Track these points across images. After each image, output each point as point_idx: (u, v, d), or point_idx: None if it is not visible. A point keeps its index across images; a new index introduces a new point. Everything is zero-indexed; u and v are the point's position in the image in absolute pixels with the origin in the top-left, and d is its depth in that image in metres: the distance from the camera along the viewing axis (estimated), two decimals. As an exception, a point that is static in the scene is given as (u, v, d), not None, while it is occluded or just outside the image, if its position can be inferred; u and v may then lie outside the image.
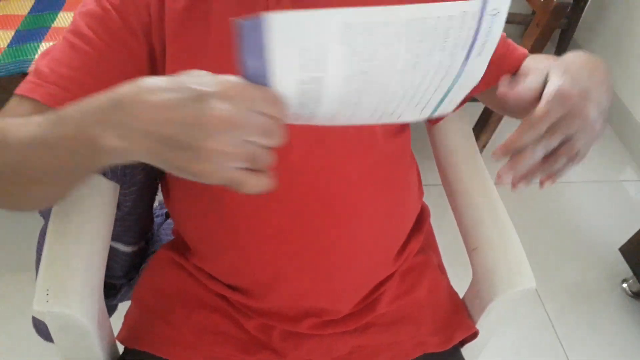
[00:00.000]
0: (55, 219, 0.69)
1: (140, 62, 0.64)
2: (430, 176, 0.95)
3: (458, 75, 0.46)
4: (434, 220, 0.87)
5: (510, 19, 1.77)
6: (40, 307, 0.62)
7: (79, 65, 0.60)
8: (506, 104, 0.55)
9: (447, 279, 0.84)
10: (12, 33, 1.31)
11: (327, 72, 0.42)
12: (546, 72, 0.55)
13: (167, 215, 0.99)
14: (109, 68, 0.62)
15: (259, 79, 0.41)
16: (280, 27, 0.38)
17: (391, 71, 0.44)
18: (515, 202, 1.73)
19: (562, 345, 1.41)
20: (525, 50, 0.72)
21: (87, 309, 0.65)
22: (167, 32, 0.63)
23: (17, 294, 1.35)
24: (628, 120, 1.99)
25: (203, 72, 0.44)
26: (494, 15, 0.42)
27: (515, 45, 0.73)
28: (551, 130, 0.50)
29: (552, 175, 0.53)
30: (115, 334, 0.76)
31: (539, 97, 0.53)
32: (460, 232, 0.83)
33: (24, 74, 1.23)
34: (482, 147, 1.75)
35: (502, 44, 0.70)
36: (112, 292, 0.91)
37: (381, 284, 0.75)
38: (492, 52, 0.45)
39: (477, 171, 0.84)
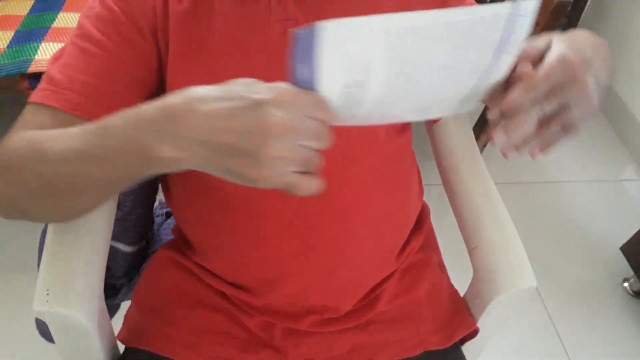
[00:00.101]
0: (56, 219, 0.69)
1: (150, 63, 0.64)
2: (430, 176, 0.95)
3: (487, 73, 0.49)
4: (434, 220, 0.87)
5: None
6: (41, 307, 0.62)
7: (93, 69, 0.61)
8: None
9: (448, 278, 0.84)
10: (12, 34, 1.31)
11: (370, 76, 0.44)
12: (549, 40, 0.54)
13: (168, 215, 0.99)
14: (123, 70, 0.62)
15: (307, 84, 0.44)
16: (331, 34, 0.40)
17: (428, 71, 0.46)
18: (516, 201, 1.74)
19: (563, 344, 1.41)
20: None
21: (88, 309, 0.65)
22: (171, 33, 0.63)
23: (18, 294, 1.35)
24: (629, 120, 1.99)
25: (251, 80, 0.45)
26: (523, 16, 0.45)
27: None
28: (549, 94, 0.49)
29: (544, 146, 0.53)
30: (116, 333, 0.76)
31: (539, 61, 0.52)
32: (461, 231, 0.83)
33: (24, 75, 1.23)
34: (482, 147, 1.75)
35: None
36: (112, 292, 0.91)
37: (382, 282, 0.75)
38: (518, 49, 0.48)
39: (477, 171, 0.84)
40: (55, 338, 0.68)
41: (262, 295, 0.70)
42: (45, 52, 1.25)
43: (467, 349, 0.79)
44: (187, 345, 0.71)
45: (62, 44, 1.31)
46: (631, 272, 1.52)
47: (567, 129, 0.52)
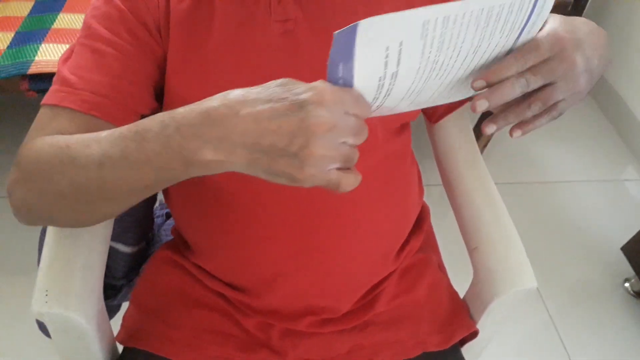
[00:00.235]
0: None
1: (158, 60, 0.65)
2: (431, 176, 0.95)
3: (508, 52, 0.51)
4: (434, 220, 0.87)
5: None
6: (39, 308, 0.62)
7: (107, 68, 0.61)
8: None
9: (447, 279, 0.84)
10: (12, 35, 1.31)
11: (402, 67, 0.45)
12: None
13: (168, 216, 0.99)
14: (135, 68, 0.62)
15: (345, 81, 0.44)
16: (369, 31, 0.41)
17: (456, 57, 0.47)
18: (517, 201, 1.74)
19: (564, 344, 1.41)
20: None
21: (87, 310, 0.65)
22: (171, 32, 0.63)
23: (17, 296, 1.35)
24: (630, 119, 1.99)
25: (288, 80, 0.45)
26: None
27: None
28: (535, 68, 0.49)
29: (524, 125, 0.52)
30: (115, 334, 0.76)
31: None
32: (461, 231, 0.82)
33: (24, 76, 1.23)
34: (482, 147, 1.75)
35: None
36: (112, 292, 0.91)
37: (380, 282, 0.75)
38: (539, 29, 0.49)
39: (478, 171, 0.84)
40: (54, 339, 0.68)
41: (260, 296, 0.70)
42: (45, 53, 1.25)
43: (467, 350, 0.79)
44: (186, 345, 0.71)
45: (63, 45, 1.32)
46: (632, 272, 1.51)
47: (550, 110, 0.52)
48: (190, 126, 0.45)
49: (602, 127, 2.07)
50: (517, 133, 0.53)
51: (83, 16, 0.66)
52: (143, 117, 0.62)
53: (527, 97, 0.51)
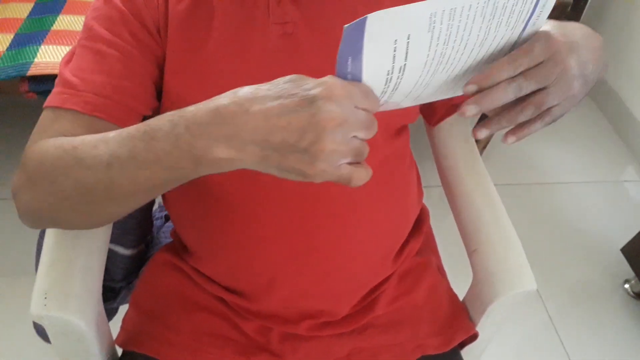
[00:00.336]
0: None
1: (160, 60, 0.65)
2: (431, 178, 0.95)
3: (514, 45, 0.51)
4: (434, 222, 0.87)
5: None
6: (38, 311, 0.62)
7: (109, 69, 0.61)
8: None
9: (447, 281, 0.84)
10: (12, 36, 1.31)
11: (410, 60, 0.45)
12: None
13: (167, 218, 0.99)
14: (137, 69, 0.62)
15: (353, 76, 0.45)
16: (378, 24, 0.41)
17: (462, 50, 0.48)
18: (517, 202, 1.74)
19: (564, 346, 1.41)
20: None
21: (86, 313, 0.65)
22: (169, 33, 0.63)
23: (17, 297, 1.35)
24: (629, 120, 1.99)
25: (297, 76, 0.45)
26: None
27: None
28: (528, 72, 0.49)
29: (518, 130, 0.52)
30: (114, 337, 0.75)
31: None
32: (460, 233, 0.82)
33: (23, 77, 1.23)
34: (482, 149, 1.75)
35: None
36: (111, 295, 0.91)
37: (379, 285, 0.75)
38: (544, 21, 0.49)
39: (477, 173, 0.84)
40: (53, 342, 0.68)
41: (258, 300, 0.70)
42: (45, 55, 1.25)
43: (467, 352, 0.79)
44: (185, 349, 0.71)
45: (62, 47, 1.32)
46: (632, 274, 1.51)
47: (543, 116, 0.51)
48: (200, 124, 0.45)
49: (601, 128, 2.07)
50: (512, 139, 0.52)
51: (83, 18, 0.66)
52: (145, 117, 0.62)
53: (519, 101, 0.50)
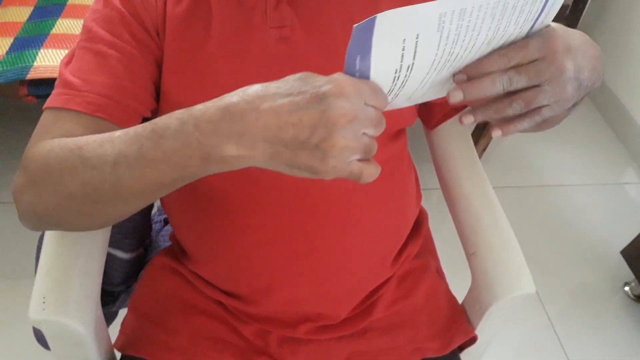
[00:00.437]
0: (52, 227, 0.69)
1: (159, 61, 0.65)
2: (430, 180, 0.95)
3: None
4: (433, 224, 0.87)
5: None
6: (37, 316, 0.62)
7: (110, 70, 0.60)
8: None
9: (446, 284, 0.84)
10: (11, 40, 1.31)
11: (416, 59, 0.45)
12: None
13: (166, 222, 0.99)
14: (139, 69, 0.62)
15: (361, 74, 0.45)
16: (388, 23, 0.41)
17: (470, 49, 0.47)
18: (516, 205, 1.74)
19: (563, 349, 1.41)
20: None
21: (84, 317, 0.65)
22: (167, 35, 0.64)
23: (17, 301, 1.34)
24: (628, 122, 1.99)
25: (306, 74, 0.45)
26: None
27: None
28: (521, 67, 0.49)
29: (505, 125, 0.52)
30: (113, 341, 0.75)
31: None
32: (459, 236, 0.82)
33: (23, 81, 1.23)
34: (481, 151, 1.75)
35: None
36: (110, 299, 0.91)
37: (378, 288, 0.75)
38: (550, 21, 0.49)
39: (476, 176, 0.84)
40: (51, 346, 0.68)
41: (256, 303, 0.70)
42: (44, 59, 1.25)
43: (466, 355, 0.79)
44: (184, 352, 0.71)
45: (62, 50, 1.32)
46: (632, 276, 1.51)
47: (533, 115, 0.51)
48: (210, 122, 0.45)
49: (601, 130, 2.07)
50: (497, 132, 0.52)
51: (82, 21, 0.66)
52: (144, 119, 0.62)
53: (511, 95, 0.50)
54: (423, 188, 0.85)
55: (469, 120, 0.52)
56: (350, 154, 0.44)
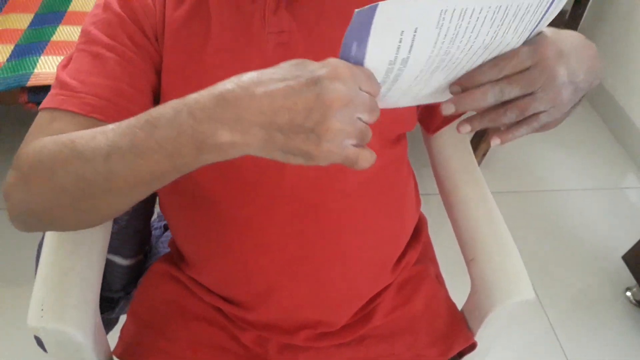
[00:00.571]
0: (51, 233, 0.69)
1: (157, 66, 0.64)
2: (430, 184, 0.95)
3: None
4: (433, 229, 0.87)
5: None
6: (35, 323, 0.62)
7: (107, 72, 0.60)
8: None
9: (445, 290, 0.84)
10: (12, 47, 1.31)
11: (412, 53, 0.45)
12: None
13: (166, 228, 0.99)
14: (137, 73, 0.62)
15: (356, 60, 0.45)
16: (389, 13, 0.41)
17: (467, 52, 0.47)
18: (517, 210, 1.73)
19: (565, 354, 1.40)
20: None
21: (83, 325, 0.65)
22: (166, 40, 0.64)
23: (17, 306, 1.34)
24: (629, 127, 1.99)
25: (300, 60, 0.45)
26: None
27: None
28: (513, 77, 0.49)
29: (503, 133, 0.52)
30: (112, 348, 0.75)
31: None
32: (458, 242, 0.82)
33: (23, 88, 1.23)
34: (482, 156, 1.74)
35: None
36: (110, 305, 0.90)
37: (377, 295, 0.74)
38: (544, 27, 0.50)
39: (475, 182, 0.84)
40: (50, 353, 0.68)
41: (255, 310, 0.70)
42: (44, 66, 1.25)
43: (466, 362, 0.79)
44: (183, 359, 0.71)
45: (62, 57, 1.32)
46: (634, 281, 1.50)
47: (530, 121, 0.51)
48: (204, 109, 0.44)
49: (601, 134, 2.07)
50: (496, 141, 0.52)
51: (83, 27, 0.67)
52: None
53: (506, 104, 0.50)
54: (423, 193, 0.85)
55: (466, 130, 0.52)
56: (345, 137, 0.43)
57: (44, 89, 1.23)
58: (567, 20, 2.03)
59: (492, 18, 0.45)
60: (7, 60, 1.28)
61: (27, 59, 1.28)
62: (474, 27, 0.45)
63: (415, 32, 0.43)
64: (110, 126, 0.50)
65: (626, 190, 1.87)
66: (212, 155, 0.46)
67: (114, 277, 0.87)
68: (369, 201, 0.70)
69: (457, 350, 0.76)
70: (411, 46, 0.44)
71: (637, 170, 1.94)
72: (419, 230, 0.82)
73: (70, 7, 1.46)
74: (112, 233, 0.79)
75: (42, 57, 1.28)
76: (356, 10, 0.41)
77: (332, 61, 0.44)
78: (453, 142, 0.88)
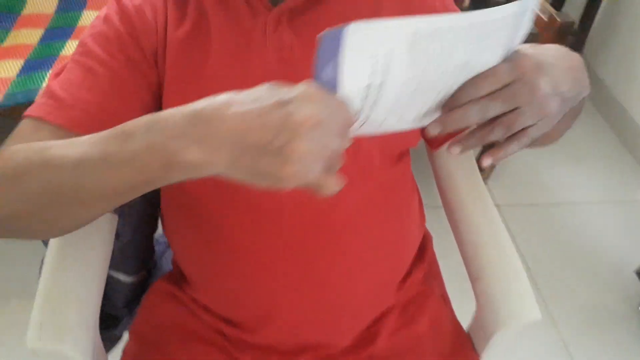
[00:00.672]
0: (52, 252, 0.68)
1: (152, 86, 0.64)
2: (436, 198, 0.93)
3: None
4: (438, 244, 0.85)
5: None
6: (34, 344, 0.61)
7: (97, 88, 0.60)
8: None
9: (451, 309, 0.82)
10: (22, 62, 1.33)
11: (389, 77, 0.44)
12: None
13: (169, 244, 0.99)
14: (126, 91, 0.62)
15: (329, 85, 0.44)
16: (358, 36, 0.41)
17: (444, 72, 0.47)
18: (528, 223, 1.71)
19: (577, 372, 1.38)
20: None
21: (82, 345, 0.64)
22: (168, 58, 0.64)
23: (23, 321, 1.35)
24: (642, 138, 1.96)
25: (275, 83, 0.45)
26: (529, 12, 0.47)
27: None
28: (494, 94, 0.48)
29: (494, 151, 0.52)
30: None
31: None
32: (463, 260, 0.81)
33: (31, 102, 1.24)
34: (491, 169, 1.72)
35: None
36: (113, 322, 0.90)
37: (381, 316, 0.73)
38: (518, 43, 0.50)
39: (480, 199, 0.82)
40: (49, 374, 0.67)
41: (256, 331, 0.69)
42: (53, 81, 1.27)
43: (471, 383, 0.77)
44: (183, 380, 0.70)
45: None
46: (648, 297, 1.48)
47: (519, 137, 0.51)
48: (175, 127, 0.44)
49: (613, 146, 2.04)
50: (487, 160, 0.52)
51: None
52: None
53: (492, 121, 0.50)
54: (430, 206, 0.83)
55: (456, 151, 0.52)
56: (312, 160, 0.42)
57: (52, 105, 1.24)
58: (577, 30, 2.02)
59: (465, 38, 0.44)
60: (17, 75, 1.29)
61: (37, 73, 1.29)
62: (449, 46, 0.44)
63: (388, 54, 0.42)
64: (85, 137, 0.50)
65: (638, 203, 1.84)
66: (179, 172, 0.45)
67: (117, 293, 0.87)
68: (373, 219, 0.69)
69: (462, 372, 0.74)
70: (386, 69, 0.44)
71: (651, 182, 1.91)
72: (424, 248, 0.81)
73: (79, 22, 1.48)
74: (115, 250, 0.79)
75: (50, 72, 1.29)
76: (320, 34, 0.40)
77: (305, 84, 0.43)
78: (458, 159, 0.87)
